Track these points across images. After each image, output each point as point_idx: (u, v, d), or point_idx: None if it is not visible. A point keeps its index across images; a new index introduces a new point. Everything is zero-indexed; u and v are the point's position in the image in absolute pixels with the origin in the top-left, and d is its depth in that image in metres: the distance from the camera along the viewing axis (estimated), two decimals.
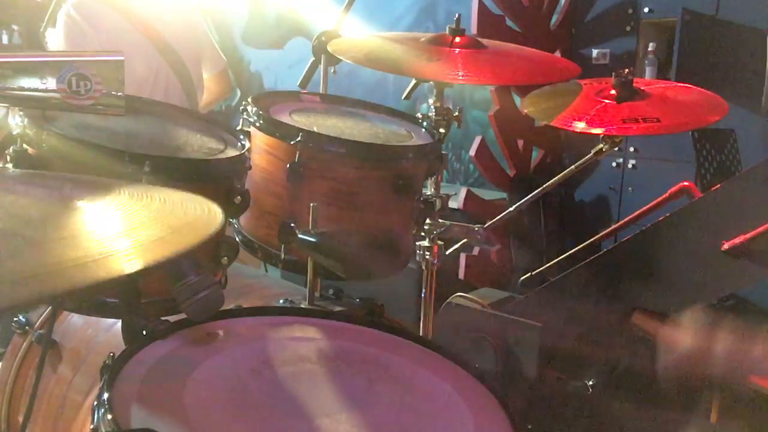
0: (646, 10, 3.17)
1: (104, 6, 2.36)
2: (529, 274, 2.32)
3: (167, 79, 2.44)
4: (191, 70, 2.50)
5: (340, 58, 1.67)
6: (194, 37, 2.59)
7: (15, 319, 1.58)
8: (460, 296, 2.22)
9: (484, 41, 1.67)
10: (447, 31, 1.62)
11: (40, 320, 1.55)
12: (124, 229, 0.65)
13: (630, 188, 3.26)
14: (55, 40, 2.37)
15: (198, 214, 0.71)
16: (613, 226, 2.39)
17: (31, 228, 0.61)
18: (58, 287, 0.50)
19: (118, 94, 1.07)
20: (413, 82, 1.83)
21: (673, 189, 2.16)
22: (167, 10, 2.49)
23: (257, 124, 1.38)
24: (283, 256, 1.37)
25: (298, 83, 1.92)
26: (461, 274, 3.20)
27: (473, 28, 3.06)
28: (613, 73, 1.69)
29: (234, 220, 1.44)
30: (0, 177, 0.90)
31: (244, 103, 1.42)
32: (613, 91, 1.68)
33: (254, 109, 1.39)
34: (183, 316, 0.96)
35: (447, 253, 1.80)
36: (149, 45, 2.38)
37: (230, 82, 2.80)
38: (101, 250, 0.58)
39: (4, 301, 0.46)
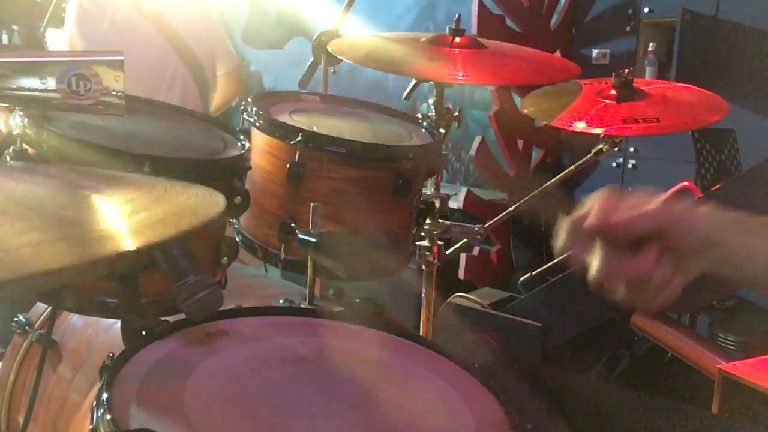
0: (646, 10, 3.17)
1: None
2: (529, 274, 2.32)
3: (183, 77, 2.38)
4: (206, 68, 2.44)
5: (340, 58, 1.68)
6: (209, 33, 2.52)
7: (15, 319, 1.58)
8: (460, 296, 2.22)
9: (484, 41, 1.67)
10: (447, 31, 1.62)
11: (40, 320, 1.55)
12: (125, 211, 0.65)
13: (630, 188, 3.25)
14: (65, 32, 2.31)
15: (200, 199, 0.71)
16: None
17: (33, 210, 0.61)
18: (61, 263, 0.50)
19: (118, 94, 1.07)
20: (413, 82, 1.83)
21: (673, 189, 2.16)
22: (182, 5, 2.42)
23: (257, 124, 1.38)
24: (283, 256, 1.37)
25: (298, 83, 1.92)
26: (461, 274, 3.20)
27: (473, 28, 3.06)
28: (613, 73, 1.69)
29: (234, 220, 1.44)
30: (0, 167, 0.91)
31: (244, 103, 1.42)
32: (613, 91, 1.68)
33: (254, 109, 1.39)
34: (183, 316, 0.96)
35: (447, 253, 1.80)
36: (164, 42, 2.33)
37: (242, 81, 2.74)
38: (103, 229, 0.58)
39: (9, 274, 0.47)
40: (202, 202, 0.70)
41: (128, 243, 0.55)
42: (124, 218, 0.62)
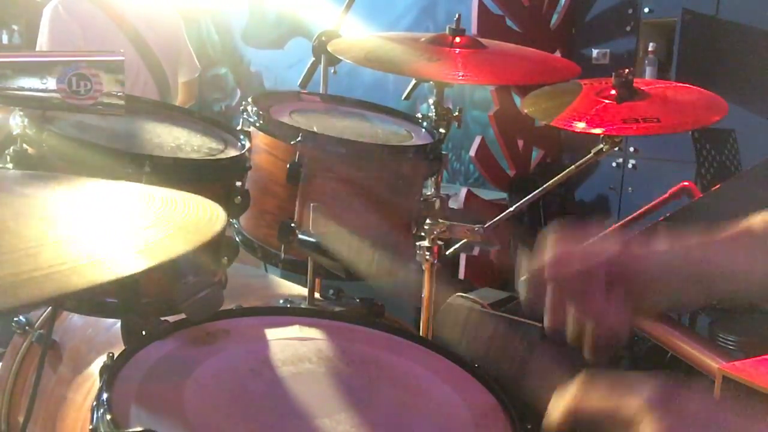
0: (646, 10, 3.17)
1: (91, 5, 2.40)
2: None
3: (145, 82, 2.49)
4: (168, 76, 2.56)
5: (340, 58, 1.67)
6: (175, 43, 2.65)
7: (15, 319, 1.58)
8: (460, 296, 2.22)
9: (484, 41, 1.67)
10: (447, 31, 1.62)
11: (40, 320, 1.55)
12: (127, 231, 0.65)
13: (630, 188, 3.26)
14: (40, 30, 2.41)
15: (200, 215, 0.71)
16: (613, 226, 2.39)
17: (39, 229, 0.62)
18: (69, 287, 0.51)
19: (118, 94, 1.07)
20: (413, 82, 1.83)
21: (673, 189, 2.16)
22: (152, 15, 2.54)
23: (257, 124, 1.38)
24: (283, 256, 1.37)
25: (298, 83, 1.92)
26: (461, 274, 3.20)
27: (473, 28, 3.06)
28: (613, 73, 1.69)
29: (234, 220, 1.44)
30: (2, 178, 0.90)
31: (244, 103, 1.42)
32: (613, 91, 1.68)
33: (254, 109, 1.39)
34: (183, 316, 0.96)
35: (447, 253, 1.79)
36: (130, 46, 2.42)
37: (196, 94, 2.90)
38: (107, 251, 0.58)
39: (22, 299, 0.47)
40: (203, 218, 0.71)
41: (135, 266, 0.55)
42: (126, 239, 0.62)
